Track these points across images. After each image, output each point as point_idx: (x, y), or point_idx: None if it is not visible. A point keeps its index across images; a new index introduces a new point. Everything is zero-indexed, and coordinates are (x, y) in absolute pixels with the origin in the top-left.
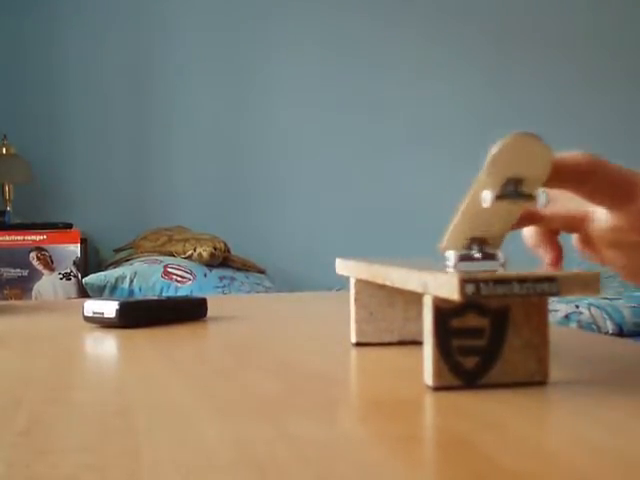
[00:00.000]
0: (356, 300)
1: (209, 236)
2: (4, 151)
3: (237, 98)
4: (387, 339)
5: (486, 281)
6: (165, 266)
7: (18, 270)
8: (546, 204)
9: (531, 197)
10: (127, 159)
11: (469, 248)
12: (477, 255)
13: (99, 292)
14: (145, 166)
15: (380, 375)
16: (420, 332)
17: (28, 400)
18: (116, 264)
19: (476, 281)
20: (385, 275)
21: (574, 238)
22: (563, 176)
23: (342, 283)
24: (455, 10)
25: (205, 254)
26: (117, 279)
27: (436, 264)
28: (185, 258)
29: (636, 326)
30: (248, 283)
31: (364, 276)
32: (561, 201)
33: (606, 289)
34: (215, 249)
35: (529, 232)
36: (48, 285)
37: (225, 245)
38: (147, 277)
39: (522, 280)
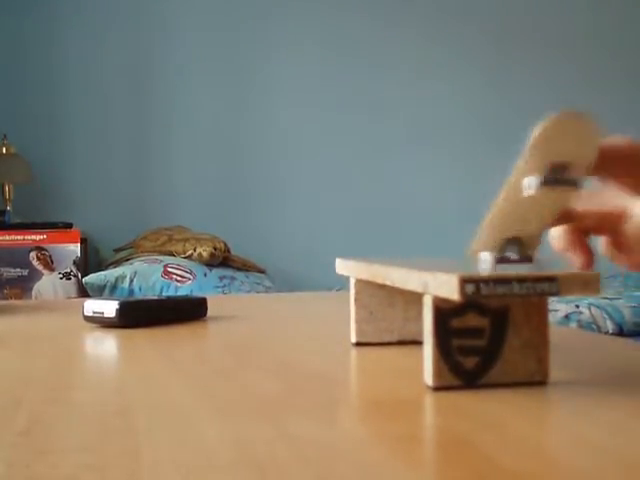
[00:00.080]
0: (356, 300)
1: (209, 236)
2: (4, 151)
3: (237, 98)
4: (387, 339)
5: (486, 281)
6: (165, 266)
7: (18, 270)
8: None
9: (578, 185)
10: (127, 159)
11: (504, 249)
12: (514, 257)
13: (99, 292)
14: (145, 166)
15: (380, 375)
16: (420, 332)
17: (28, 400)
18: (116, 264)
19: (476, 281)
20: (385, 275)
21: (603, 240)
22: (610, 162)
23: (342, 283)
24: (455, 10)
25: (205, 254)
26: (117, 279)
27: (467, 266)
28: (185, 258)
29: (636, 326)
30: (248, 283)
31: (364, 276)
32: (594, 197)
33: (606, 289)
34: (215, 249)
35: (556, 233)
36: (48, 285)
37: (225, 245)
38: (147, 277)
39: (522, 280)
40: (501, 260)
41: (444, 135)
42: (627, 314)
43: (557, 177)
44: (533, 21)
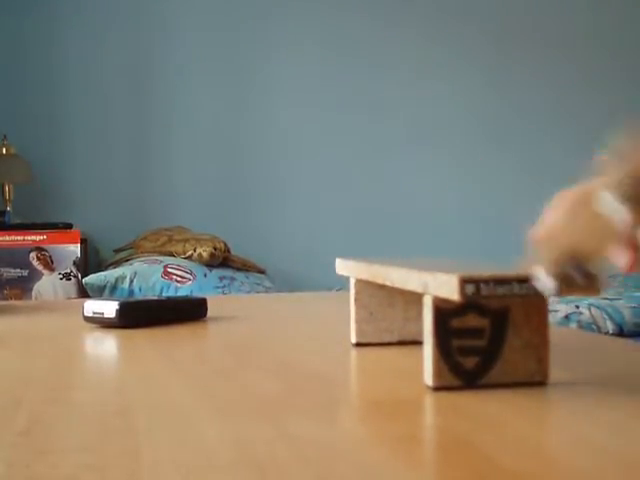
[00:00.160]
0: (356, 300)
1: (209, 236)
2: (4, 151)
3: (237, 98)
4: (387, 339)
5: (486, 281)
6: (165, 266)
7: (18, 270)
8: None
9: None
10: (127, 159)
11: (564, 266)
12: (576, 276)
13: (99, 292)
14: (145, 166)
15: (380, 375)
16: (420, 332)
17: (28, 400)
18: (116, 264)
19: (476, 281)
20: (385, 275)
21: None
22: None
23: (342, 283)
24: (455, 10)
25: (205, 254)
26: (117, 279)
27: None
28: (185, 258)
29: (636, 326)
30: (248, 283)
31: (364, 276)
32: None
33: (606, 289)
34: (215, 249)
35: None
36: (48, 285)
37: (225, 245)
38: (147, 277)
39: (522, 280)
40: (563, 278)
41: (444, 135)
42: (627, 315)
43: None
44: (533, 21)
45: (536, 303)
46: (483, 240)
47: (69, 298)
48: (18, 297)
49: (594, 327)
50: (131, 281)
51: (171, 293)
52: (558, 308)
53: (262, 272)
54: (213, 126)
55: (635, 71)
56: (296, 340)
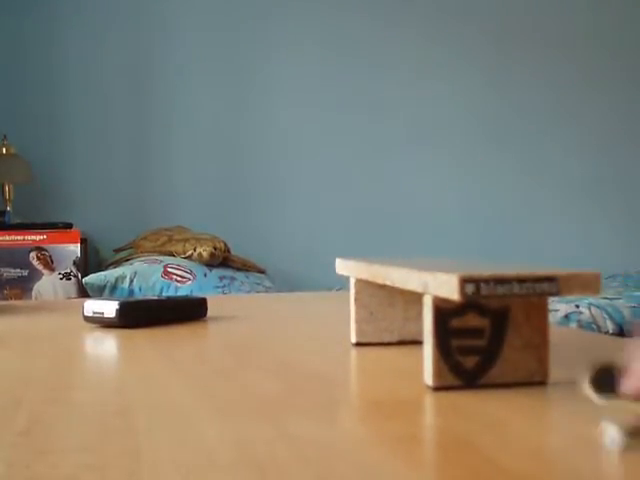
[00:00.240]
0: (356, 300)
1: (209, 236)
2: (4, 151)
3: (237, 98)
4: (387, 339)
5: (486, 281)
6: (165, 266)
7: (18, 270)
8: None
9: None
10: (127, 159)
11: None
12: None
13: (99, 292)
14: (145, 166)
15: (380, 375)
16: (420, 332)
17: (28, 400)
18: (116, 264)
19: (476, 281)
20: (385, 275)
21: None
22: None
23: (342, 283)
24: (455, 10)
25: (205, 254)
26: (117, 279)
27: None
28: (185, 258)
29: None
30: (248, 283)
31: (364, 276)
32: None
33: (606, 289)
34: (215, 249)
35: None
36: (48, 285)
37: (225, 245)
38: (147, 277)
39: (522, 280)
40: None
41: (444, 135)
42: (627, 314)
43: None
44: (533, 21)
45: (536, 303)
46: (483, 240)
47: (69, 298)
48: (18, 297)
49: (594, 327)
50: (131, 281)
51: (171, 293)
52: (558, 308)
53: (262, 272)
54: (213, 126)
55: (635, 71)
56: (296, 340)
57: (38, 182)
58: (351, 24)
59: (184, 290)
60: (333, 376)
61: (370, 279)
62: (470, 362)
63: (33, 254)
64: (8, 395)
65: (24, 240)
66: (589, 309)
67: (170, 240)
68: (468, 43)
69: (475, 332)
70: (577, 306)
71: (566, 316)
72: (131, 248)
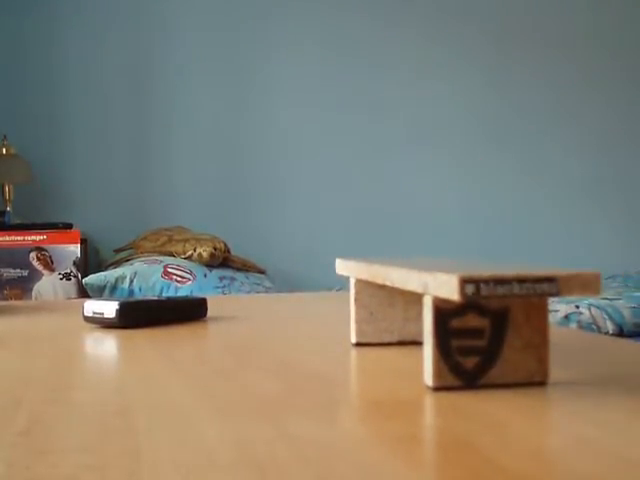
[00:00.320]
0: (356, 300)
1: (209, 236)
2: (4, 151)
3: (237, 98)
4: (387, 339)
5: (486, 281)
6: (165, 266)
7: (18, 270)
8: None
9: None
10: (127, 159)
11: None
12: None
13: (99, 292)
14: (145, 166)
15: (380, 375)
16: (420, 332)
17: (28, 400)
18: (116, 264)
19: (476, 281)
20: (385, 275)
21: None
22: None
23: (342, 283)
24: (455, 10)
25: (205, 254)
26: (117, 279)
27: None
28: (185, 258)
29: (636, 326)
30: (248, 283)
31: (364, 276)
32: None
33: (606, 289)
34: (215, 249)
35: None
36: (48, 285)
37: (225, 245)
38: (147, 277)
39: (522, 280)
40: None
41: (444, 135)
42: (627, 315)
43: None
44: (533, 21)
45: (536, 303)
46: (483, 240)
47: (69, 298)
48: (18, 297)
49: (594, 327)
50: (131, 281)
51: (171, 293)
52: (558, 308)
53: (262, 272)
54: (213, 126)
55: (635, 71)
56: (296, 340)
57: (38, 182)
58: (351, 24)
59: (184, 290)
60: (333, 376)
61: (370, 279)
62: (470, 362)
63: (33, 254)
64: (8, 395)
65: (24, 240)
66: (589, 309)
67: (170, 240)
68: (468, 43)
69: (475, 332)
70: (577, 307)
71: (566, 316)
72: (131, 248)
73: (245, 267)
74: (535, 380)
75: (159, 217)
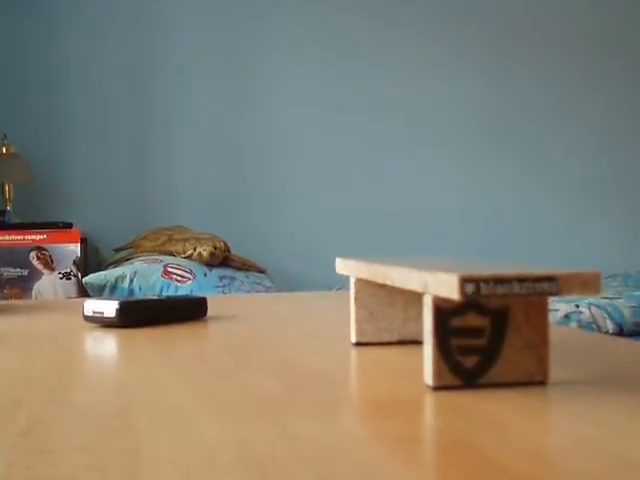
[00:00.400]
0: (356, 300)
1: (209, 236)
2: (4, 151)
3: (237, 98)
4: (387, 339)
5: (486, 280)
6: (165, 265)
7: (18, 270)
8: None
9: None
10: (127, 159)
11: None
12: None
13: (99, 292)
14: (145, 166)
15: (380, 375)
16: (420, 332)
17: (28, 400)
18: (116, 264)
19: (476, 280)
20: (385, 275)
21: None
22: None
23: (342, 283)
24: (455, 10)
25: (205, 254)
26: (117, 279)
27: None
28: (185, 258)
29: (636, 326)
30: (248, 283)
31: (364, 276)
32: None
33: (606, 289)
34: (215, 248)
35: None
36: (48, 285)
37: (225, 245)
38: (147, 276)
39: (522, 280)
40: None
41: (444, 135)
42: (627, 314)
43: None
44: (533, 21)
45: (536, 302)
46: (483, 240)
47: (69, 298)
48: (18, 297)
49: (594, 326)
50: (131, 280)
51: (171, 292)
52: (558, 307)
53: (262, 272)
54: (213, 126)
55: (635, 71)
56: (296, 340)
57: (38, 182)
58: (351, 24)
59: (184, 290)
60: (333, 376)
61: (370, 279)
62: (470, 362)
63: (33, 254)
64: (8, 395)
65: (24, 240)
66: (589, 309)
67: (170, 240)
68: (468, 43)
69: (475, 332)
70: (577, 306)
71: (566, 316)
72: (131, 248)
73: (245, 266)
74: (535, 379)
75: (159, 216)
